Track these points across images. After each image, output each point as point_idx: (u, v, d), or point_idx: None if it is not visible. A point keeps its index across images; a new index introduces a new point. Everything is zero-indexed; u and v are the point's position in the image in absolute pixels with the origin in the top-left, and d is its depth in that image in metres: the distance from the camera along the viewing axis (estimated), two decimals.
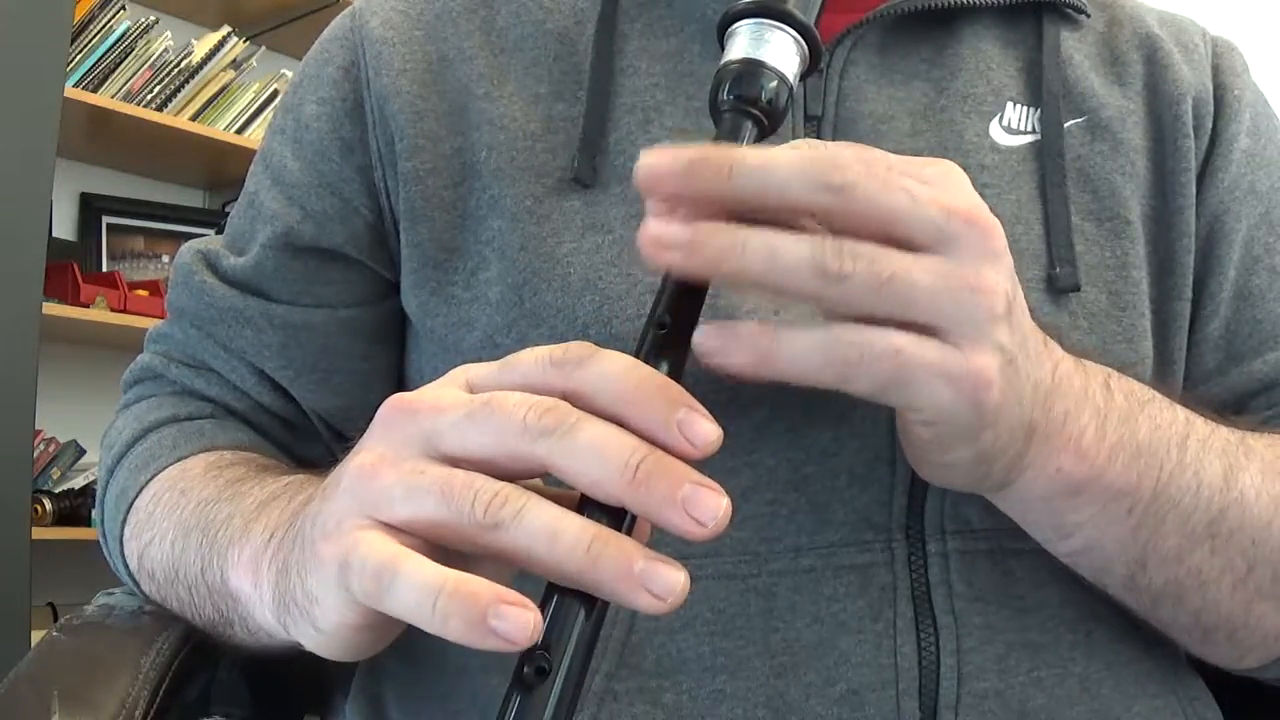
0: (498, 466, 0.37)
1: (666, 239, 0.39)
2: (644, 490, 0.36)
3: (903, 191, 0.41)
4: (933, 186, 0.42)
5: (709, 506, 0.36)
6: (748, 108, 0.46)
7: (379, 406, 0.41)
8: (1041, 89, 0.62)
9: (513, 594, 0.35)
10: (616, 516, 0.37)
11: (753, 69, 0.47)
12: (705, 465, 0.53)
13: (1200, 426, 0.52)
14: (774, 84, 0.47)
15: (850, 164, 0.40)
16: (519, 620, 0.34)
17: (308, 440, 0.68)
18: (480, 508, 0.36)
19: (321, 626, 0.41)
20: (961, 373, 0.41)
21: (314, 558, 0.40)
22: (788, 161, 0.40)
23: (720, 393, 0.53)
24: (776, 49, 0.47)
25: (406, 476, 0.38)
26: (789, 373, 0.41)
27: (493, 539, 0.36)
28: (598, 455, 0.36)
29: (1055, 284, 0.57)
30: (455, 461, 0.38)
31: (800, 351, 0.41)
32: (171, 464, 0.62)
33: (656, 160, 0.40)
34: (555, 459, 0.36)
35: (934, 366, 0.41)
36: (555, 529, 0.35)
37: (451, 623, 0.35)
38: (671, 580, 0.35)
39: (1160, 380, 0.58)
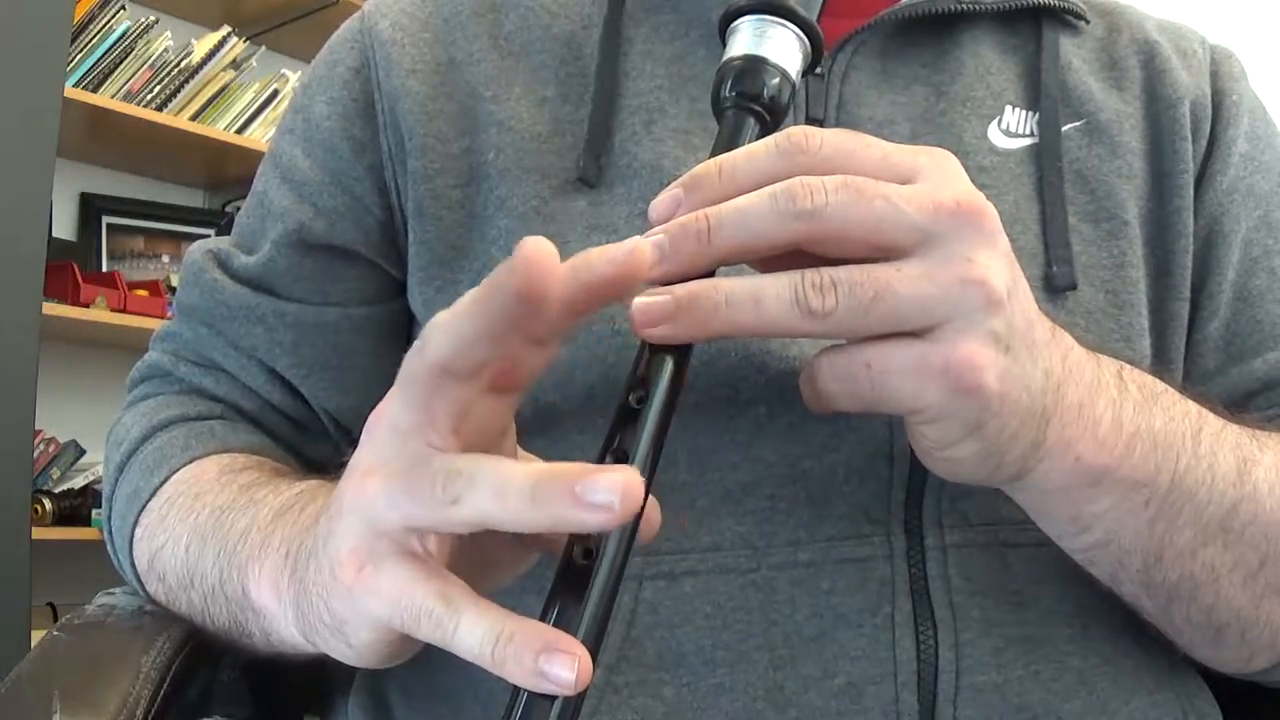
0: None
1: (652, 314, 0.41)
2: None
3: (880, 200, 0.41)
4: (921, 180, 0.42)
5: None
6: (750, 104, 0.46)
7: None
8: (1040, 93, 0.62)
9: (560, 636, 0.35)
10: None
11: (755, 65, 0.47)
12: (706, 460, 0.54)
13: (1212, 420, 0.52)
14: (776, 80, 0.47)
15: (818, 186, 0.41)
16: (566, 664, 0.34)
17: (317, 440, 0.68)
18: (440, 488, 0.36)
19: (354, 644, 0.41)
20: (941, 365, 0.42)
21: (335, 583, 0.40)
22: (758, 200, 0.41)
23: (720, 388, 0.53)
24: (778, 45, 0.47)
25: (383, 480, 0.38)
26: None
27: (459, 515, 0.36)
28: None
29: (1052, 283, 0.57)
30: (432, 422, 0.38)
31: (811, 383, 0.45)
32: (184, 464, 0.62)
33: (643, 248, 0.41)
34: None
35: (906, 366, 0.42)
36: (500, 484, 0.35)
37: (509, 668, 0.35)
38: (610, 485, 0.34)
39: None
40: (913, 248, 0.41)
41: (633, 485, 0.34)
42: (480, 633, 0.36)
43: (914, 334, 0.42)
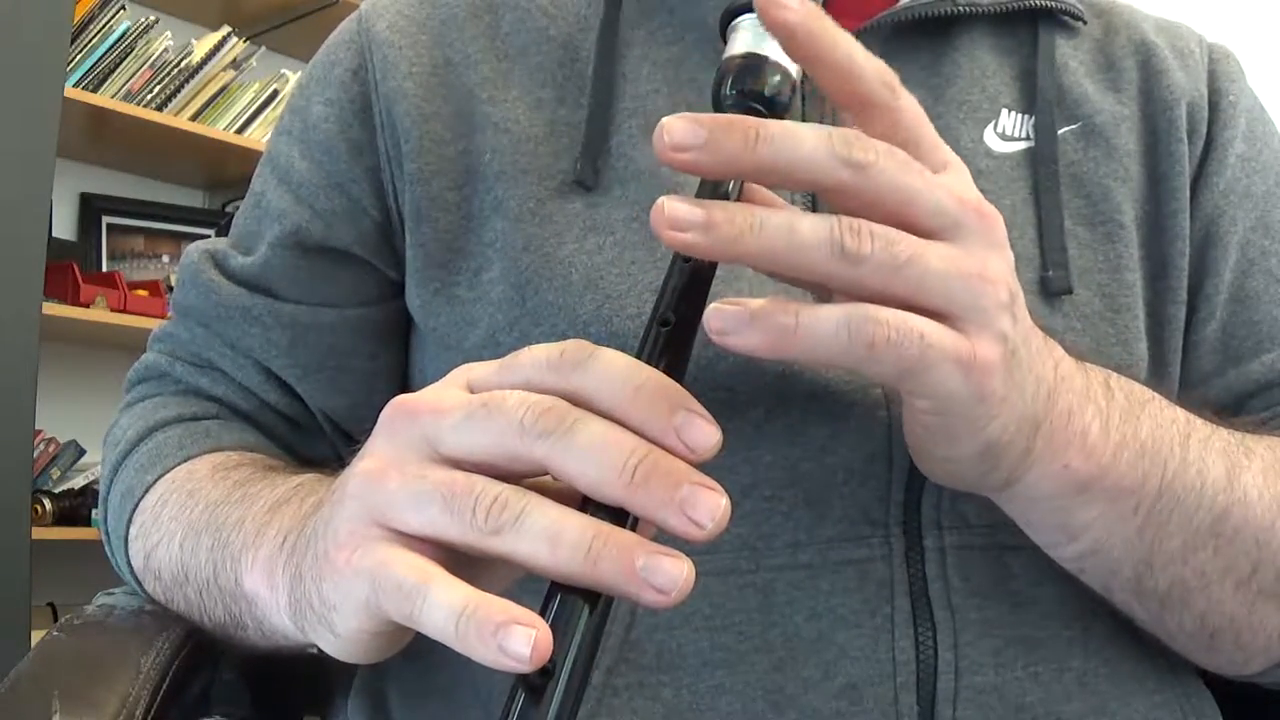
0: (498, 468, 0.38)
1: (683, 218, 0.38)
2: (641, 493, 0.36)
3: (919, 176, 0.41)
4: (942, 175, 0.42)
5: (707, 507, 0.36)
6: (750, 102, 0.46)
7: (384, 406, 0.41)
8: (1036, 96, 0.62)
9: (524, 614, 0.35)
10: (619, 513, 0.37)
11: (755, 63, 0.47)
12: (704, 462, 0.53)
13: (1200, 427, 0.53)
14: (777, 78, 0.47)
15: (872, 145, 0.40)
16: (522, 639, 0.34)
17: (313, 439, 0.68)
18: (481, 514, 0.36)
19: (339, 632, 0.41)
20: (971, 359, 0.41)
21: (328, 565, 0.40)
22: (812, 134, 0.40)
23: (718, 390, 0.53)
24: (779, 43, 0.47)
25: (410, 482, 0.38)
26: (808, 353, 0.39)
27: (495, 545, 0.36)
28: (595, 457, 0.36)
29: (1048, 287, 0.57)
30: (458, 463, 0.38)
31: (824, 331, 0.39)
32: (178, 464, 0.62)
33: (679, 126, 0.39)
34: (553, 460, 0.37)
35: (950, 352, 0.41)
36: (555, 532, 0.35)
37: (471, 643, 0.35)
38: (674, 573, 0.35)
39: (1156, 382, 0.59)
40: (937, 231, 0.41)
41: (690, 579, 0.35)
42: (446, 606, 0.35)
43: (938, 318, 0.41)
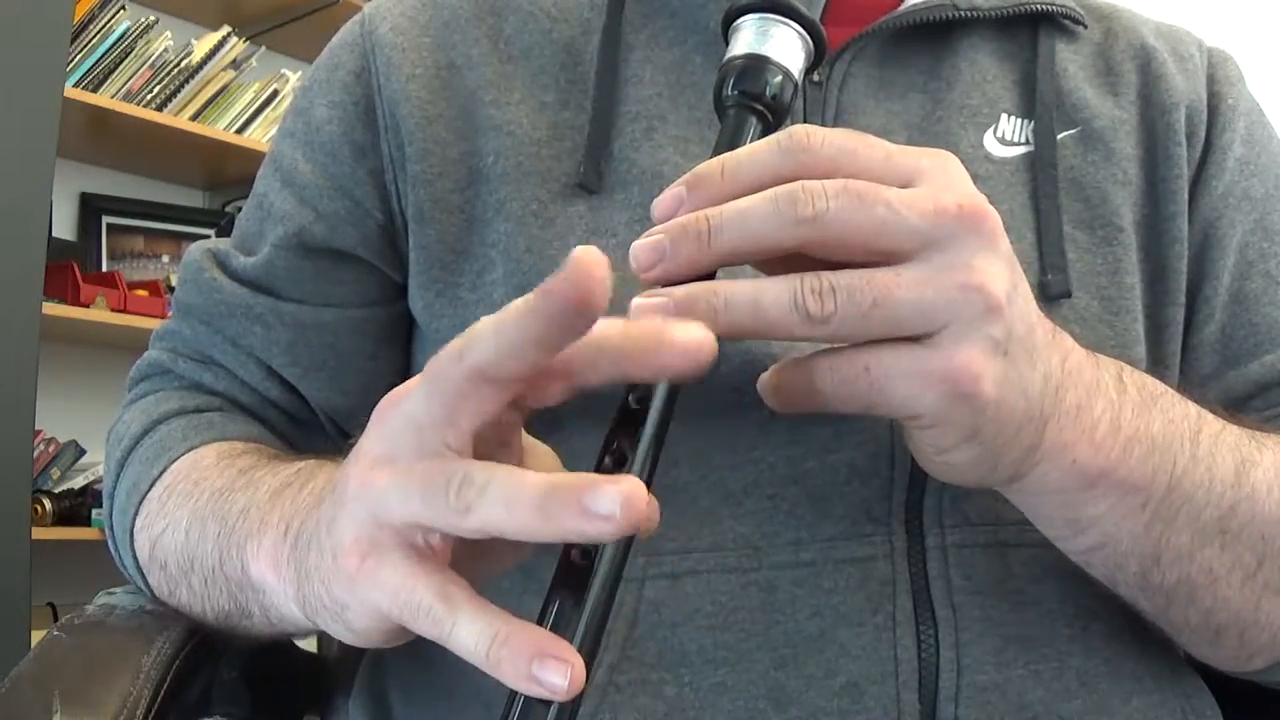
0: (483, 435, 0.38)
1: (650, 316, 0.41)
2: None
3: (881, 205, 0.41)
4: (922, 182, 0.43)
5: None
6: (752, 103, 0.46)
7: None
8: (1035, 101, 0.62)
9: (555, 643, 0.35)
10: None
11: (757, 64, 0.47)
12: (708, 461, 0.54)
13: (1211, 422, 0.53)
14: (778, 79, 0.47)
15: (819, 191, 0.41)
16: (559, 672, 0.35)
17: (314, 435, 0.68)
18: (453, 496, 0.36)
19: (355, 629, 0.42)
20: (940, 371, 0.42)
21: (338, 571, 0.40)
22: (760, 204, 0.41)
23: (722, 391, 0.53)
24: (781, 44, 0.47)
25: (395, 477, 0.38)
26: (787, 406, 0.46)
27: (471, 523, 0.36)
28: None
29: (1047, 291, 0.58)
30: (455, 430, 0.38)
31: (787, 387, 0.45)
32: (183, 454, 0.62)
33: (641, 246, 0.42)
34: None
35: (904, 372, 0.42)
36: (511, 496, 0.35)
37: (504, 672, 0.35)
38: (614, 493, 0.34)
39: None
40: (913, 252, 0.42)
41: (635, 495, 0.34)
42: (476, 633, 0.36)
43: (913, 339, 0.42)
